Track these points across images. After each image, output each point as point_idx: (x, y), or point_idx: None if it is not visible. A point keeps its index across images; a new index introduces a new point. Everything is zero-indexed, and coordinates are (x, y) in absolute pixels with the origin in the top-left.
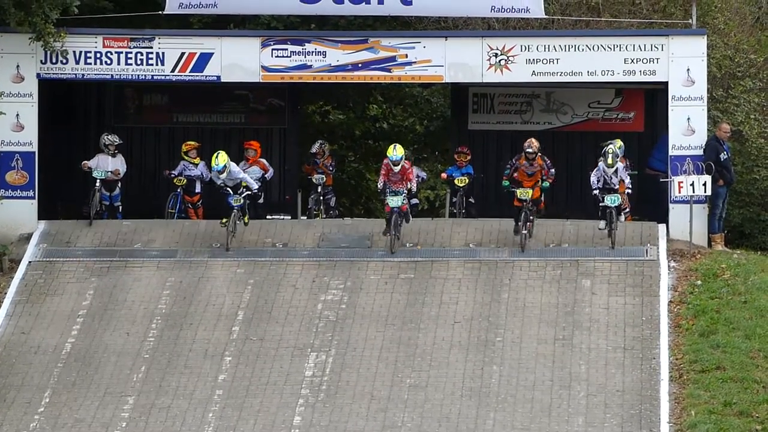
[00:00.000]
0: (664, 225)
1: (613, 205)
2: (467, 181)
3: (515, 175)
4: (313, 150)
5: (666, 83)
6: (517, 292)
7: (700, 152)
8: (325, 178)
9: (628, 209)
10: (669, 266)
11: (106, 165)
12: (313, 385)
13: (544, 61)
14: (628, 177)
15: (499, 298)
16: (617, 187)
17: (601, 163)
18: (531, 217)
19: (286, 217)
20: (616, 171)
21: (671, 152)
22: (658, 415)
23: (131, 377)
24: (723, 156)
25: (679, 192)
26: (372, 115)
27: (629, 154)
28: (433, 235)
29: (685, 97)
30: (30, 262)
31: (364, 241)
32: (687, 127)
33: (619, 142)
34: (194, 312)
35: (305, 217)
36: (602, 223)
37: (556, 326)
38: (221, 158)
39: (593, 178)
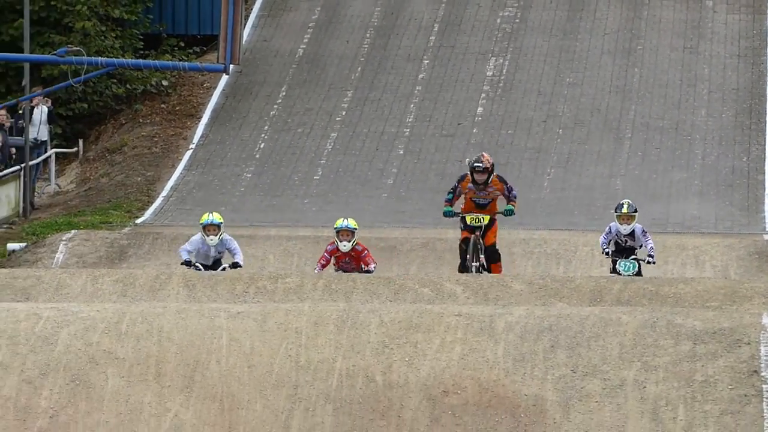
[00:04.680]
0: None
1: (627, 274)
2: None
3: (461, 206)
4: None
5: None
6: (654, 9)
7: None
8: None
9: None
10: None
11: None
12: (493, 82)
13: None
14: (651, 242)
15: (641, 14)
16: (637, 249)
17: (613, 224)
18: (482, 254)
19: None
20: (632, 233)
21: None
22: (764, 108)
23: (350, 76)
24: None
25: None
26: None
27: None
28: None
29: None
30: None
31: None
32: None
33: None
34: (400, 24)
35: None
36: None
37: (684, 37)
38: (216, 215)
39: (602, 238)
